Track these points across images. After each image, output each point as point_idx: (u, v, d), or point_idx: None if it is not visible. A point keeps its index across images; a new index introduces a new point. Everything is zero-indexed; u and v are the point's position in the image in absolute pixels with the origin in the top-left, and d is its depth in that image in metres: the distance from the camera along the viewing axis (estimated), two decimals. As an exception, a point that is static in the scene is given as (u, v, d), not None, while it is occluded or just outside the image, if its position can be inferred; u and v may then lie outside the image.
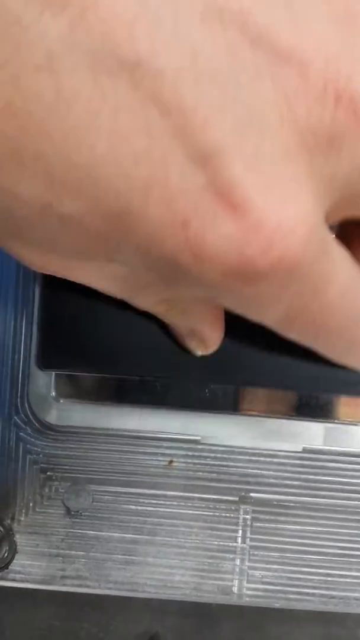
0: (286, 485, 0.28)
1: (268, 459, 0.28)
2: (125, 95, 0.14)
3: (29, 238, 0.17)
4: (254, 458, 0.28)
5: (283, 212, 0.15)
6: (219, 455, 0.28)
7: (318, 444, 0.28)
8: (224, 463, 0.28)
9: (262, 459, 0.28)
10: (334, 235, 0.17)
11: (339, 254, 0.18)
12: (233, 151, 0.14)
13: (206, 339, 0.23)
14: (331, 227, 0.18)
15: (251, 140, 0.14)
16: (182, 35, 0.13)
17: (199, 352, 0.24)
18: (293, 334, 0.19)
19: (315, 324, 0.18)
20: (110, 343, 0.24)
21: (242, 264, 0.15)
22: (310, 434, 0.28)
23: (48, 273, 0.19)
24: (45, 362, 0.26)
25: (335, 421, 0.28)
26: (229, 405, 0.28)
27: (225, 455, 0.28)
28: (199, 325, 0.23)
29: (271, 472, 0.28)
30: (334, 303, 0.18)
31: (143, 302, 0.21)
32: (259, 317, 0.18)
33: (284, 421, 0.28)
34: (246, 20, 0.14)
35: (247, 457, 0.28)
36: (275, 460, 0.28)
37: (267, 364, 0.24)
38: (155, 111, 0.14)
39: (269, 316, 0.18)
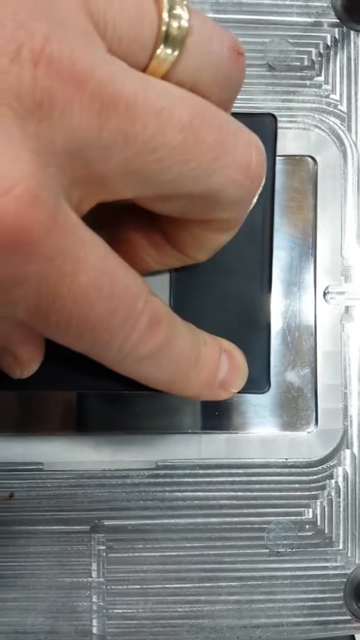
0: (141, 507, 0.26)
1: (119, 480, 0.26)
2: None
3: None
4: (103, 481, 0.26)
5: None
6: (64, 482, 0.25)
7: (171, 458, 0.26)
8: (71, 490, 0.26)
9: (112, 481, 0.26)
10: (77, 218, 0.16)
11: (88, 237, 0.16)
12: None
13: (20, 358, 0.21)
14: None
15: None
16: None
17: (17, 374, 0.22)
18: (56, 332, 0.17)
19: (72, 317, 0.16)
20: None
21: None
22: (162, 448, 0.26)
23: None
24: None
25: (188, 432, 0.26)
26: (73, 425, 0.26)
27: (72, 482, 0.26)
28: (7, 344, 0.21)
29: (123, 494, 0.26)
30: (88, 290, 0.16)
31: None
32: (10, 307, 0.16)
33: (133, 437, 0.26)
34: None
35: (97, 481, 0.26)
36: (128, 480, 0.26)
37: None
38: None
39: (20, 304, 0.16)
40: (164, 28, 0.16)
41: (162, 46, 0.16)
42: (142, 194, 0.17)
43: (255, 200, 0.18)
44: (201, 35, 0.17)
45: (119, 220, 0.20)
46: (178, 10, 0.16)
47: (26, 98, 0.14)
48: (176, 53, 0.16)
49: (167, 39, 0.16)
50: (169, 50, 0.16)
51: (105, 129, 0.15)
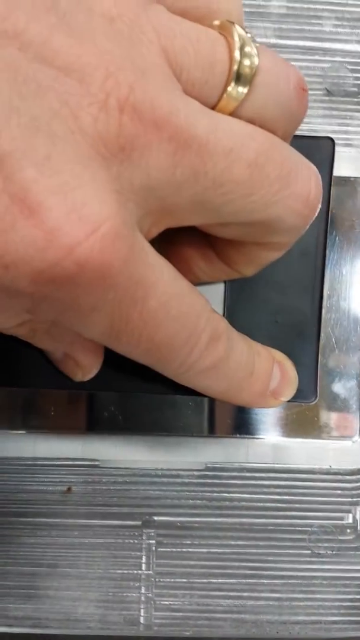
0: (190, 506, 0.27)
1: (170, 479, 0.27)
2: None
3: None
4: (155, 479, 0.27)
5: (82, 212, 0.14)
6: (119, 478, 0.27)
7: (220, 460, 0.27)
8: (125, 487, 0.27)
9: (164, 479, 0.27)
10: (148, 244, 0.17)
11: (158, 262, 0.17)
12: (22, 156, 0.14)
13: (81, 364, 0.22)
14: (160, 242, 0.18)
15: (41, 146, 0.14)
16: None
17: (78, 377, 0.23)
18: (125, 349, 0.18)
19: (141, 337, 0.17)
20: None
21: (48, 267, 0.15)
22: (212, 450, 0.27)
23: None
24: None
25: (236, 436, 0.27)
26: (128, 425, 0.27)
27: (125, 479, 0.27)
28: (70, 350, 0.22)
29: (174, 493, 0.27)
30: (157, 313, 0.17)
31: (3, 325, 0.20)
32: (85, 329, 0.17)
33: (184, 439, 0.27)
34: (22, 39, 0.14)
35: (149, 479, 0.27)
36: (178, 480, 0.27)
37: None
38: None
39: (94, 328, 0.17)
40: (235, 67, 0.17)
41: (233, 84, 0.17)
42: (205, 222, 0.18)
43: (309, 225, 0.19)
44: (270, 73, 0.18)
45: (174, 233, 0.21)
46: (249, 49, 0.17)
47: (112, 143, 0.15)
48: (246, 91, 0.17)
49: (238, 77, 0.17)
50: (239, 89, 0.17)
51: (179, 168, 0.16)
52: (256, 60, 0.17)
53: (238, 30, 0.17)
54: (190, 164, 0.16)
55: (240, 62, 0.17)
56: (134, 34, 0.16)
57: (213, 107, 0.17)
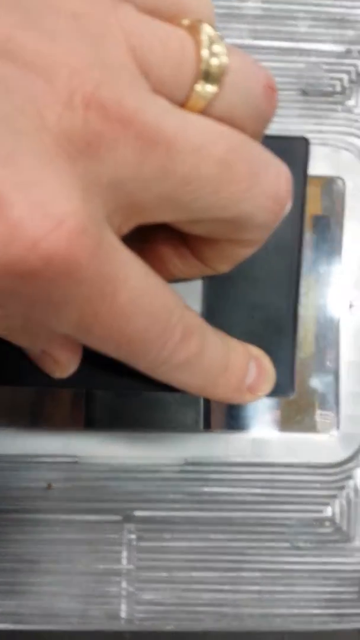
0: (170, 501, 0.27)
1: (150, 475, 0.27)
2: None
3: None
4: (136, 475, 0.27)
5: (46, 208, 0.14)
6: (99, 474, 0.27)
7: (200, 455, 0.27)
8: (105, 483, 0.27)
9: (144, 475, 0.27)
10: (118, 239, 0.17)
11: (128, 258, 0.17)
12: None
13: (58, 360, 0.23)
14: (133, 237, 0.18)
15: (5, 143, 0.14)
16: None
17: (56, 374, 0.23)
18: (97, 344, 0.18)
19: (112, 332, 0.18)
20: None
21: (11, 262, 0.15)
22: (191, 445, 0.27)
23: None
24: None
25: (216, 431, 0.27)
26: (107, 422, 0.27)
27: (106, 475, 0.27)
28: (47, 347, 0.22)
29: (154, 488, 0.27)
30: (127, 309, 0.17)
31: None
32: (55, 323, 0.17)
33: (164, 434, 0.27)
34: None
35: (129, 474, 0.27)
36: (158, 475, 0.27)
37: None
38: None
39: (64, 322, 0.17)
40: (203, 65, 0.17)
41: (201, 83, 0.17)
42: (175, 218, 0.19)
43: (280, 222, 0.19)
44: (239, 72, 0.18)
45: (148, 231, 0.21)
46: (217, 48, 0.17)
47: (77, 139, 0.15)
48: (215, 89, 0.17)
49: (206, 75, 0.17)
50: (208, 87, 0.17)
51: (147, 165, 0.16)
52: (225, 59, 0.17)
53: (207, 29, 0.17)
54: (158, 161, 0.16)
55: (209, 61, 0.17)
56: (101, 32, 0.16)
57: (182, 106, 0.17)
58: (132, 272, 0.17)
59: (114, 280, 0.16)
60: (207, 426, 0.27)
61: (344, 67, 0.28)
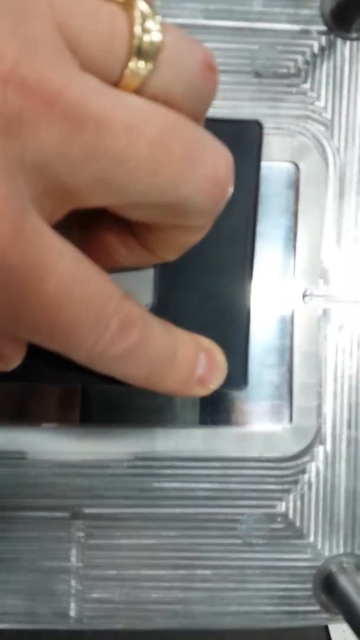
0: (120, 497, 0.27)
1: (99, 470, 0.26)
2: None
3: None
4: (84, 470, 0.26)
5: None
6: (47, 470, 0.26)
7: (150, 450, 0.27)
8: (53, 479, 0.26)
9: (93, 470, 0.26)
10: (47, 226, 0.16)
11: (57, 244, 0.16)
12: None
13: (2, 353, 0.22)
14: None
15: None
16: None
17: (0, 367, 0.22)
18: (27, 334, 0.18)
19: (42, 321, 0.17)
20: None
21: None
22: (141, 440, 0.27)
23: None
24: None
25: (167, 425, 0.27)
26: (55, 416, 0.27)
27: (53, 470, 0.26)
28: None
29: (103, 484, 0.27)
30: (57, 297, 0.16)
31: None
32: None
33: (113, 429, 0.27)
34: None
35: (77, 470, 0.26)
36: (107, 471, 0.27)
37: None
38: None
39: None
40: (136, 42, 0.16)
41: (134, 60, 0.16)
42: (112, 203, 0.18)
43: (222, 207, 0.19)
44: (174, 49, 0.17)
45: (90, 219, 0.21)
46: (150, 24, 0.16)
47: None
48: (149, 67, 0.17)
49: (139, 52, 0.16)
50: (141, 64, 0.16)
51: (74, 145, 0.15)
52: (157, 36, 0.17)
53: (140, 5, 0.17)
54: (88, 140, 0.15)
55: (142, 38, 0.16)
56: (25, 8, 0.15)
57: (117, 85, 0.17)
58: (61, 258, 0.16)
59: (41, 267, 0.16)
60: (158, 420, 0.27)
61: (299, 48, 0.27)
